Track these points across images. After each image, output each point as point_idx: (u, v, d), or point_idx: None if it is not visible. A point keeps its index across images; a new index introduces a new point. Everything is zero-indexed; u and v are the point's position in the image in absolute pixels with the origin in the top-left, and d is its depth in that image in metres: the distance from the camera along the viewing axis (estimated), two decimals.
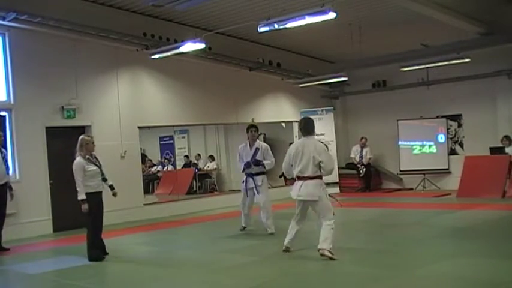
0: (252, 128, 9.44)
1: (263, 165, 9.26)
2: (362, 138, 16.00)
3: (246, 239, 8.85)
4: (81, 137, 7.95)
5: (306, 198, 7.14)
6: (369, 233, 9.20)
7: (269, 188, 9.70)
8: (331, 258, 6.81)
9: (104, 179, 7.99)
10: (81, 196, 7.59)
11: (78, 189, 7.63)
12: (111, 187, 8.12)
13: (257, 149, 9.31)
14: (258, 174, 9.28)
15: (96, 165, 7.86)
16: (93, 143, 7.92)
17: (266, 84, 15.19)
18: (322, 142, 7.29)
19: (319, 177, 7.09)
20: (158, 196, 15.78)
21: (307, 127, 7.26)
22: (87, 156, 7.78)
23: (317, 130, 15.75)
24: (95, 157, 7.96)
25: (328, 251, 6.88)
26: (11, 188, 9.29)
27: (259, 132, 9.72)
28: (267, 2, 10.23)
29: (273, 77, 15.04)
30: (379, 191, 15.76)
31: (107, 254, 7.92)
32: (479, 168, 13.01)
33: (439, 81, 14.82)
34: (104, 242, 7.95)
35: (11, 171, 10.35)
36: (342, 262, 6.81)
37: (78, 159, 7.74)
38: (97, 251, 7.77)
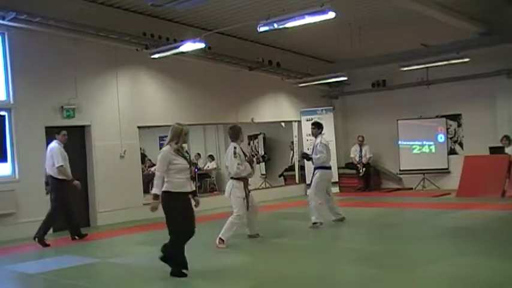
0: (311, 125, 10.09)
1: (311, 159, 9.90)
2: (359, 136, 16.02)
3: (246, 239, 8.84)
4: (177, 125, 6.55)
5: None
6: (369, 232, 9.21)
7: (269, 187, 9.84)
8: (217, 246, 8.00)
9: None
10: (154, 191, 6.29)
11: (154, 181, 6.34)
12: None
13: (316, 144, 9.82)
14: (315, 168, 9.88)
15: (187, 160, 6.60)
16: (186, 134, 6.58)
17: (266, 84, 15.19)
18: (235, 147, 8.24)
19: (233, 178, 8.30)
20: None
21: (230, 134, 8.50)
22: (178, 148, 6.49)
23: None
24: (187, 151, 7.46)
25: (220, 238, 8.08)
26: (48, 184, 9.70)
27: (319, 129, 9.91)
28: (266, 1, 10.24)
29: (272, 76, 15.03)
30: (378, 191, 15.76)
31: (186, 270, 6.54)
32: (479, 168, 13.01)
33: (438, 81, 14.81)
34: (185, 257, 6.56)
35: (11, 171, 10.39)
36: (342, 262, 6.81)
37: (166, 148, 6.44)
38: (179, 266, 6.51)
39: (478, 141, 14.20)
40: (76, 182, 9.54)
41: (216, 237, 8.36)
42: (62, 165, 9.28)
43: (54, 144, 9.51)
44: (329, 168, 9.86)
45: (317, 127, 9.94)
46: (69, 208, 9.53)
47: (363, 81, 16.39)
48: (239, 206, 8.22)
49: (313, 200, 9.56)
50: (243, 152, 8.46)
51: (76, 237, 9.70)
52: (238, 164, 8.11)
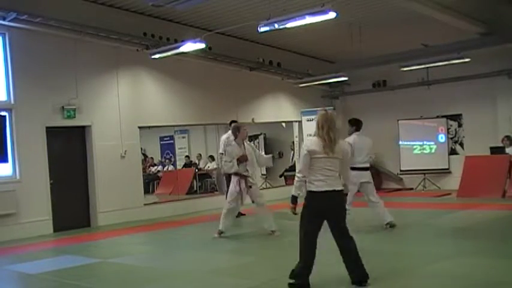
0: (348, 122, 9.48)
1: None
2: None
3: (245, 238, 8.86)
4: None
5: None
6: (369, 232, 9.19)
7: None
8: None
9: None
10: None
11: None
12: None
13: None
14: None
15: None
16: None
17: (266, 84, 15.19)
18: (228, 145, 9.11)
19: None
20: (158, 196, 15.77)
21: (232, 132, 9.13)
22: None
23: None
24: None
25: (219, 231, 8.84)
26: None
27: (352, 126, 9.22)
28: (267, 2, 10.23)
29: (273, 77, 15.03)
30: (379, 191, 15.65)
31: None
32: (480, 168, 13.01)
33: (439, 81, 14.81)
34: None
35: (12, 171, 10.39)
36: (341, 262, 6.79)
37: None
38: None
39: (478, 141, 14.20)
40: None
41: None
42: (221, 153, 10.95)
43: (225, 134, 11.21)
44: (358, 169, 8.84)
45: (350, 124, 9.26)
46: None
47: (364, 82, 16.38)
48: (231, 196, 8.88)
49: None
50: (245, 149, 8.80)
51: None
52: (225, 161, 8.91)
